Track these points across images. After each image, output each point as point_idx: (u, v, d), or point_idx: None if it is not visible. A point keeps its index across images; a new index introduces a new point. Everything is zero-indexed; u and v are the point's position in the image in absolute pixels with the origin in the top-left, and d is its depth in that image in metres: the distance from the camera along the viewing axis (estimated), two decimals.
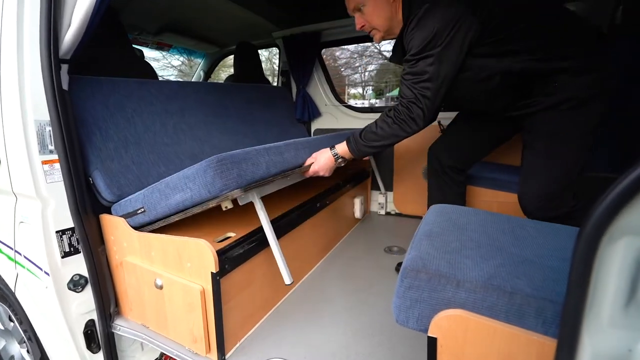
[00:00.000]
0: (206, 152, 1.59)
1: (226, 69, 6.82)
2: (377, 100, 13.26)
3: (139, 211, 1.11)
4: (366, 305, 1.30)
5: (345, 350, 1.09)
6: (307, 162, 1.30)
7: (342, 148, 1.27)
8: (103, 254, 1.23)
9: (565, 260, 0.72)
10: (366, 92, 13.95)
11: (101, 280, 1.19)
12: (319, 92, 2.56)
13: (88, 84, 1.26)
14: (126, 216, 1.14)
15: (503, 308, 0.60)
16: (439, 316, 0.65)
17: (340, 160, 1.28)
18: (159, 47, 2.44)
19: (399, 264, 1.43)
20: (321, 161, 1.28)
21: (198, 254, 0.99)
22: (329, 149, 1.29)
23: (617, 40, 1.63)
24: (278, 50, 2.60)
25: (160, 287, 1.09)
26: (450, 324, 0.64)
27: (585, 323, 0.50)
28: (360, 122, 2.47)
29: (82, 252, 1.14)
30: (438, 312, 0.65)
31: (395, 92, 13.20)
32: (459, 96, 1.21)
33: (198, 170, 0.97)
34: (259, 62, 2.44)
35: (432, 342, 0.66)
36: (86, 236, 1.12)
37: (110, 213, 1.21)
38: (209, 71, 2.93)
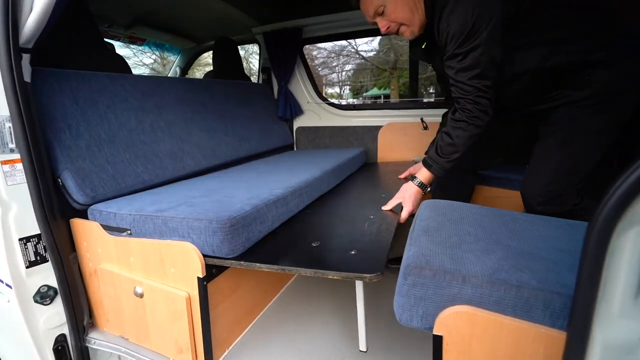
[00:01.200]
0: (186, 150, 1.51)
1: (201, 68, 6.62)
2: (355, 100, 13.35)
3: (124, 232, 1.03)
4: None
5: (340, 353, 1.06)
6: (392, 205, 1.17)
7: (424, 175, 1.17)
8: (75, 261, 1.13)
9: (562, 252, 0.72)
10: (343, 91, 14.04)
11: (73, 291, 1.09)
12: (301, 89, 2.51)
13: (54, 77, 1.15)
14: (107, 228, 1.06)
15: (510, 302, 0.59)
16: (445, 313, 0.63)
17: (427, 188, 1.19)
18: (132, 41, 2.30)
19: (391, 261, 1.39)
20: (412, 199, 1.16)
21: (183, 258, 0.92)
22: (411, 182, 1.19)
23: None
24: (258, 47, 2.53)
25: (141, 296, 1.01)
26: (456, 321, 0.62)
27: (597, 314, 0.49)
28: (343, 120, 2.45)
29: (50, 261, 1.04)
30: (443, 309, 0.63)
31: (372, 92, 13.37)
32: None
33: (207, 228, 0.90)
34: (239, 58, 2.36)
35: (437, 341, 0.64)
36: (55, 243, 1.02)
37: (83, 217, 1.11)
38: (185, 67, 2.80)
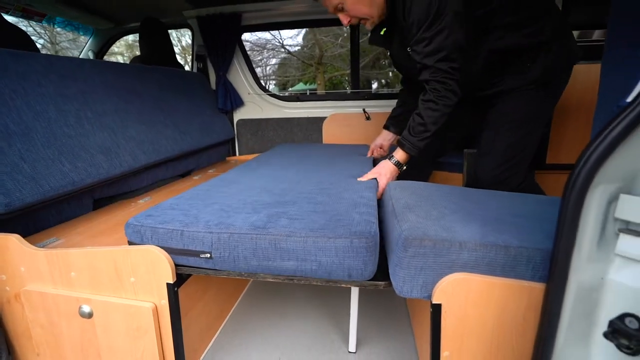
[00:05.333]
0: (122, 144, 1.30)
1: (112, 56, 5.79)
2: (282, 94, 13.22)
3: (202, 256, 0.81)
4: (329, 289, 1.28)
5: (321, 340, 1.05)
6: (367, 178, 1.18)
7: (400, 155, 1.20)
8: None
9: (520, 217, 0.83)
10: (268, 86, 13.85)
11: None
12: (241, 79, 2.39)
13: None
14: (171, 251, 0.82)
15: (500, 262, 0.65)
16: (443, 281, 0.66)
17: (403, 167, 1.21)
18: (27, 15, 1.88)
19: None
20: (388, 175, 1.18)
21: (147, 263, 0.80)
22: (388, 160, 1.21)
23: None
24: (191, 32, 2.31)
25: (89, 316, 0.84)
26: (454, 288, 0.66)
27: (573, 261, 0.58)
28: (286, 111, 2.41)
29: None
30: (442, 278, 0.67)
31: (298, 87, 13.46)
32: None
33: (347, 249, 0.74)
34: (170, 43, 2.12)
35: (436, 309, 0.67)
36: None
37: None
38: (100, 52, 2.40)
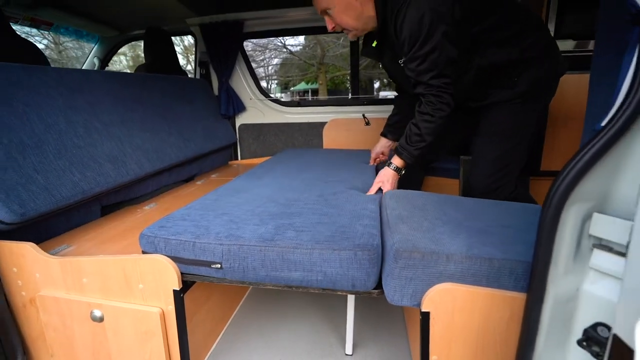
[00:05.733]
0: (128, 153, 1.35)
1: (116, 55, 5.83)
2: (282, 95, 13.29)
3: (212, 266, 0.86)
4: (328, 294, 1.33)
5: (319, 344, 1.10)
6: (375, 188, 1.23)
7: (398, 161, 1.25)
8: (0, 292, 0.94)
9: (508, 227, 0.87)
10: (270, 85, 13.88)
11: (1, 328, 0.91)
12: (243, 85, 2.43)
13: None
14: (179, 261, 0.87)
15: (484, 273, 0.70)
16: (431, 291, 0.71)
17: (402, 171, 1.27)
18: (34, 24, 1.93)
19: None
20: (391, 182, 1.25)
21: (154, 271, 0.85)
22: (387, 167, 1.26)
23: None
24: (194, 40, 2.36)
25: (100, 320, 0.89)
26: (441, 297, 0.71)
27: (550, 274, 0.62)
28: (287, 116, 2.46)
29: None
30: (430, 288, 0.71)
31: (300, 86, 13.49)
32: None
33: (352, 260, 0.78)
34: (174, 50, 2.17)
35: (425, 317, 0.72)
36: None
37: (6, 238, 0.93)
38: (105, 59, 2.46)
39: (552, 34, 1.63)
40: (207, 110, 2.18)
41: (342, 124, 2.41)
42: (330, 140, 2.45)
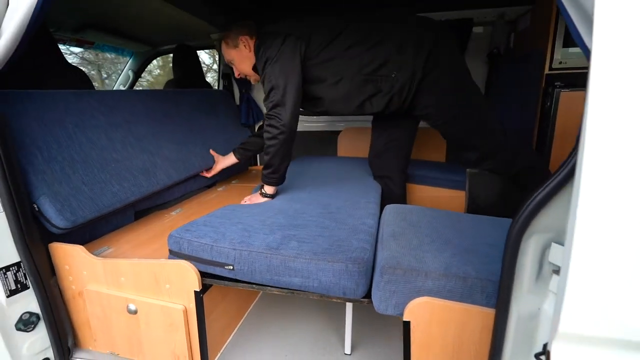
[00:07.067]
0: (158, 164, 1.53)
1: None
2: None
3: (225, 267, 1.00)
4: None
5: (321, 343, 1.22)
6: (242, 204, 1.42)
7: (268, 189, 1.44)
8: (55, 285, 1.13)
9: (493, 246, 0.95)
10: None
11: (56, 315, 1.10)
12: (262, 95, 2.58)
13: (17, 99, 1.12)
14: (198, 261, 1.03)
15: (459, 290, 0.79)
16: (412, 304, 0.81)
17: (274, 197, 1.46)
18: (79, 44, 2.17)
19: None
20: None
21: (178, 274, 1.00)
22: (259, 194, 1.45)
23: (511, 59, 2.05)
24: (218, 53, 2.53)
25: (134, 312, 1.06)
26: (420, 309, 0.80)
27: (513, 293, 0.71)
28: (304, 125, 2.58)
29: (31, 288, 1.04)
30: (410, 300, 0.81)
31: None
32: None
33: (343, 271, 0.90)
34: (199, 64, 2.35)
35: (406, 325, 0.82)
36: (36, 269, 1.03)
37: (61, 240, 1.11)
38: (138, 71, 2.69)
39: (561, 45, 1.65)
40: (229, 119, 2.34)
41: (356, 133, 2.50)
42: (344, 148, 2.55)
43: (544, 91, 1.68)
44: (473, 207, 1.75)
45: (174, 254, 1.06)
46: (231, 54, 1.48)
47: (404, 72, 1.32)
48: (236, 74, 1.56)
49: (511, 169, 1.48)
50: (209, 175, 1.88)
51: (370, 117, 2.52)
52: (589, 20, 0.53)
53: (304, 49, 1.33)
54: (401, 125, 1.66)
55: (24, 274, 1.03)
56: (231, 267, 0.99)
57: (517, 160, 1.46)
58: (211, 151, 1.89)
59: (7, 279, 1.00)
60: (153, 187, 1.45)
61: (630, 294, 0.49)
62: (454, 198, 1.83)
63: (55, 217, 1.07)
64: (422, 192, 1.89)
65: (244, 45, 1.45)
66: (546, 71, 1.66)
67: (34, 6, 0.90)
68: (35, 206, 1.06)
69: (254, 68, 1.48)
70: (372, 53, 1.32)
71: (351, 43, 1.34)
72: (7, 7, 0.94)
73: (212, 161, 1.91)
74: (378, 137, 1.76)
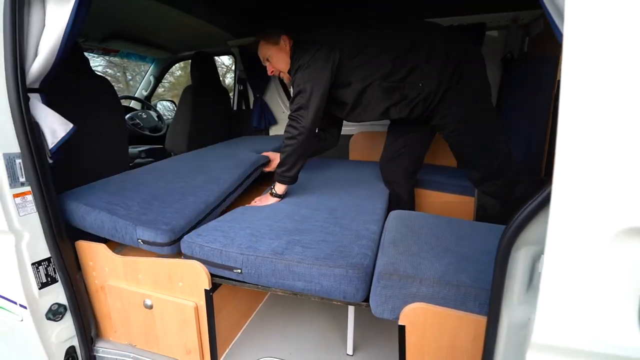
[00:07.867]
0: (218, 175, 1.59)
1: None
2: None
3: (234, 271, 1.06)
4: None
5: (324, 343, 1.27)
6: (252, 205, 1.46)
7: (279, 188, 1.48)
8: (81, 280, 1.23)
9: (489, 253, 0.96)
10: None
11: (81, 306, 1.19)
12: (277, 100, 2.65)
13: (86, 203, 1.20)
14: (209, 264, 1.09)
15: (452, 298, 0.81)
16: (407, 309, 0.84)
17: (283, 197, 1.51)
18: (105, 52, 2.31)
19: None
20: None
21: (190, 273, 1.07)
22: (269, 194, 1.48)
23: (524, 63, 2.02)
24: (234, 58, 2.62)
25: (150, 307, 1.14)
26: (415, 314, 0.84)
27: (504, 303, 0.73)
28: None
29: (60, 281, 1.14)
30: (406, 305, 0.85)
31: None
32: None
33: (344, 276, 0.94)
34: (216, 71, 2.44)
35: (402, 329, 0.86)
36: (64, 264, 1.13)
37: (85, 239, 1.21)
38: (159, 76, 2.82)
39: None
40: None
41: (367, 137, 2.53)
42: (356, 152, 2.59)
43: (556, 97, 1.65)
44: (482, 214, 1.75)
45: (187, 258, 1.13)
46: (271, 50, 1.51)
47: (431, 81, 1.35)
48: (269, 72, 1.59)
49: (509, 196, 1.49)
50: (269, 169, 1.90)
51: (383, 122, 2.57)
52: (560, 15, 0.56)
53: (337, 57, 1.37)
54: (418, 131, 1.67)
55: (54, 269, 1.13)
56: (239, 271, 1.05)
57: (516, 189, 1.48)
58: (264, 153, 1.96)
59: (39, 273, 1.11)
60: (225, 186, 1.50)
61: (600, 307, 0.51)
62: (464, 204, 1.83)
63: (156, 237, 1.11)
64: (431, 197, 1.90)
65: (285, 44, 1.49)
66: (558, 77, 1.64)
67: (67, 26, 0.99)
68: (140, 241, 1.13)
69: (288, 71, 1.54)
70: (402, 61, 1.36)
71: (381, 50, 1.37)
72: (43, 28, 1.04)
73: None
74: (393, 142, 1.76)
